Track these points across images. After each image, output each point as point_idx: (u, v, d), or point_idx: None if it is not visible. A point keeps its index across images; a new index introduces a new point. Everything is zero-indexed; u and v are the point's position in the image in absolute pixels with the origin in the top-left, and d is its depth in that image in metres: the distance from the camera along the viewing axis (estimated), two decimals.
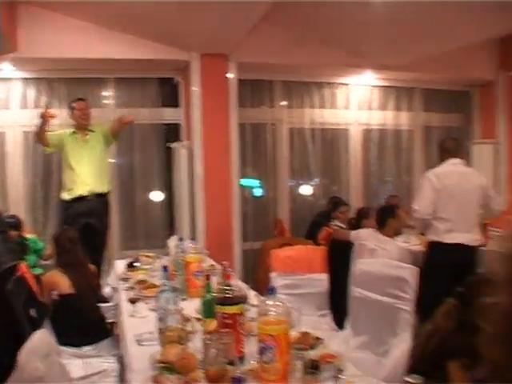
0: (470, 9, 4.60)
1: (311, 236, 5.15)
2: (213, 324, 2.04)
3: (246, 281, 3.69)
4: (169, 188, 5.92)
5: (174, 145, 5.68)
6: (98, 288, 3.65)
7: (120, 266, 3.99)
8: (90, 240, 4.15)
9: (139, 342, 2.18)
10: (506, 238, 0.87)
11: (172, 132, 5.98)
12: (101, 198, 4.69)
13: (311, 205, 6.51)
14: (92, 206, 4.59)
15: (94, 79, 5.66)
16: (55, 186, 5.43)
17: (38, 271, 4.44)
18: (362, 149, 6.72)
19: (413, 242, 4.72)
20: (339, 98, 6.59)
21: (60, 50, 4.93)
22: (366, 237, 4.10)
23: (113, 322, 3.40)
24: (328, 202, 5.70)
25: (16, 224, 4.64)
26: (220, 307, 1.92)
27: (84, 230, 4.23)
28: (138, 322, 2.53)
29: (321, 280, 3.77)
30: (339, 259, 3.91)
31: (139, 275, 3.49)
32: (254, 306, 2.49)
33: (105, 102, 5.76)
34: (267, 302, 1.66)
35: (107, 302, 3.53)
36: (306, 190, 6.60)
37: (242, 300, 2.00)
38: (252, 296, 2.82)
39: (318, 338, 2.16)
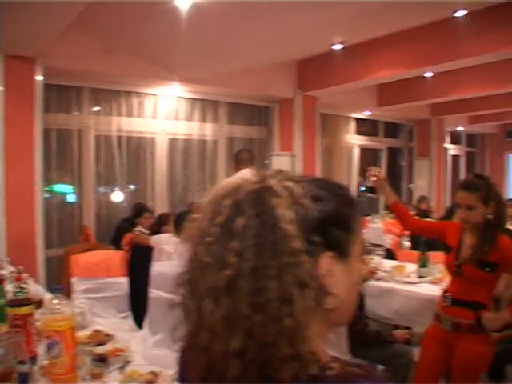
0: (271, 32, 5.15)
1: (115, 241, 5.27)
2: (4, 328, 2.10)
3: (50, 286, 3.70)
4: None
5: None
6: None
7: None
8: None
9: None
10: None
11: None
12: None
13: (118, 211, 6.58)
14: None
15: None
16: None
17: None
18: (168, 157, 6.97)
19: None
20: (147, 107, 6.77)
21: None
22: (165, 241, 4.34)
23: None
24: (132, 209, 5.85)
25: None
26: (11, 309, 2.01)
27: None
28: None
29: (121, 283, 3.93)
30: (140, 263, 4.09)
31: None
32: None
33: None
34: (53, 301, 1.80)
35: None
36: (114, 196, 6.67)
37: (32, 301, 2.10)
38: (49, 299, 2.89)
39: (108, 335, 2.35)
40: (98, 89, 6.36)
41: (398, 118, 10.45)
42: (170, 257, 4.07)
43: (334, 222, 0.80)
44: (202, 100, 7.25)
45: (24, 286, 2.14)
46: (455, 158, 12.46)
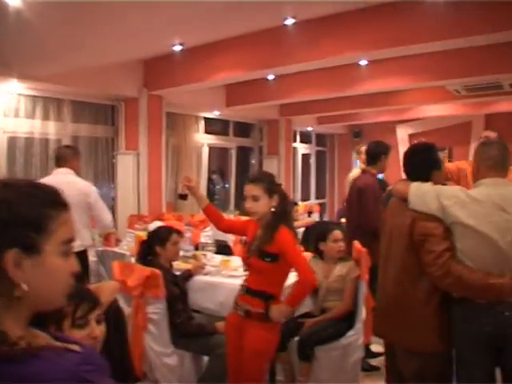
0: (113, 31, 5.18)
1: None
2: None
3: None
4: None
5: None
6: None
7: None
8: None
9: None
10: None
11: None
12: None
13: None
14: None
15: None
16: None
17: None
18: (8, 156, 6.72)
19: None
20: None
21: None
22: None
23: None
24: None
25: None
26: None
27: None
28: None
29: None
30: None
31: None
32: None
33: None
34: None
35: None
36: None
37: None
38: None
39: None
40: None
41: (249, 118, 10.90)
42: None
43: (20, 223, 0.94)
44: (44, 98, 7.06)
45: None
46: (306, 156, 13.25)
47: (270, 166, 10.93)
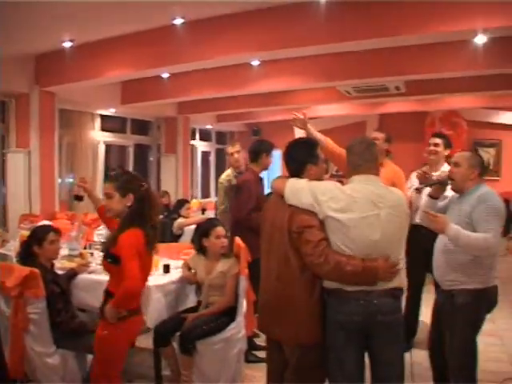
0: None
1: None
2: None
3: None
4: None
5: None
6: None
7: None
8: None
9: None
10: None
11: None
12: None
13: None
14: None
15: None
16: None
17: None
18: None
19: None
20: None
21: None
22: None
23: None
24: None
25: None
26: None
27: None
28: None
29: None
30: None
31: None
32: None
33: None
34: None
35: None
36: None
37: None
38: None
39: None
40: None
41: (146, 116, 10.85)
42: None
43: None
44: None
45: None
46: (205, 154, 13.34)
47: (168, 163, 10.96)
